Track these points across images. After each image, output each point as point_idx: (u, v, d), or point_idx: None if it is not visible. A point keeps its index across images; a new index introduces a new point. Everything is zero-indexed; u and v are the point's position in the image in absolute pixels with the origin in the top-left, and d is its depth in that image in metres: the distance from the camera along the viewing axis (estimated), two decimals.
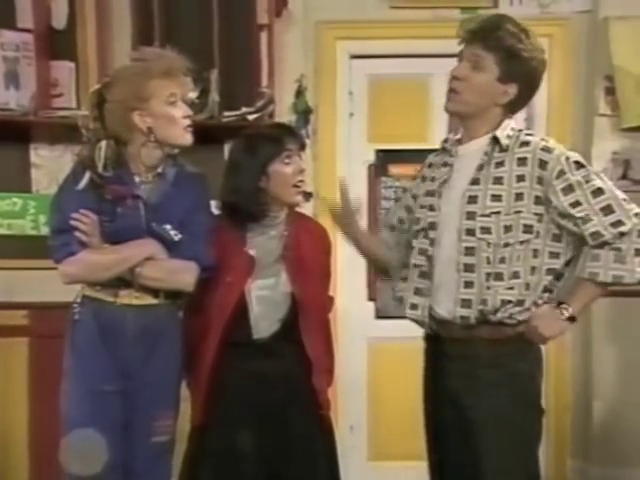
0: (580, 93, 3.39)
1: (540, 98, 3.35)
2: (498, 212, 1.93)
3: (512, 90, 1.96)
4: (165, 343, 2.16)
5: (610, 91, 3.28)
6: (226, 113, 3.12)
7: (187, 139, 2.14)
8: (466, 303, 1.94)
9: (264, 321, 2.20)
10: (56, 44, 3.19)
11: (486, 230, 1.93)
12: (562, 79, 3.38)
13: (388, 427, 3.47)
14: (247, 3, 3.18)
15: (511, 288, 1.93)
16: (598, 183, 1.92)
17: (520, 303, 1.94)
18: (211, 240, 2.18)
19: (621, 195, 1.93)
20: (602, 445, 3.36)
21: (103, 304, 2.11)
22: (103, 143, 2.09)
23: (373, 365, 3.52)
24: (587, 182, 1.92)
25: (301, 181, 2.23)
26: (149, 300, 2.14)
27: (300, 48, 3.32)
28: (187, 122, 2.13)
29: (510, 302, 1.93)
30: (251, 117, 3.09)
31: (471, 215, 1.94)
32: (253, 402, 2.19)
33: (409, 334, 3.37)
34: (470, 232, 1.94)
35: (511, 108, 2.01)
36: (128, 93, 2.08)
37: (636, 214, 1.90)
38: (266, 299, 2.21)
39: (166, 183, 2.17)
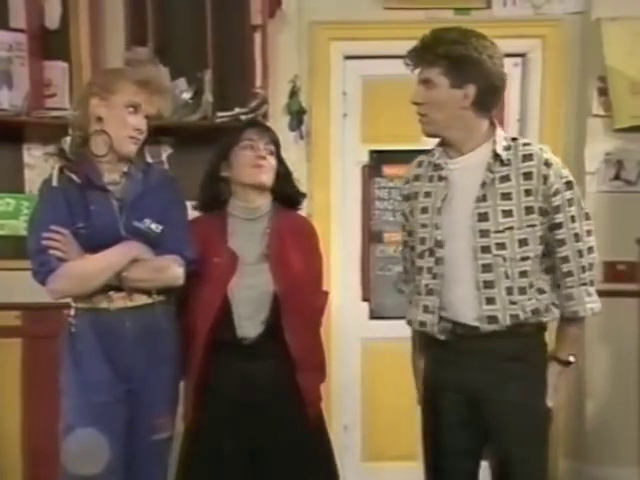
0: (573, 94, 3.39)
1: (533, 99, 3.39)
2: (511, 227, 1.96)
3: (471, 91, 1.97)
4: (164, 341, 2.17)
5: (603, 92, 3.28)
6: (219, 114, 3.10)
7: (129, 149, 2.15)
8: (493, 320, 1.98)
9: (248, 321, 2.19)
10: (49, 44, 3.17)
11: (501, 246, 1.96)
12: (555, 80, 3.38)
13: (382, 427, 3.47)
14: (241, 4, 3.17)
15: (531, 298, 1.99)
16: (574, 211, 1.98)
17: (546, 308, 2.01)
18: (191, 233, 2.21)
19: (590, 225, 2.02)
20: (595, 445, 3.36)
21: (99, 312, 2.11)
22: (67, 137, 2.16)
23: (367, 365, 3.51)
24: (570, 206, 1.98)
25: (260, 165, 2.24)
26: (143, 300, 2.14)
27: (294, 49, 3.31)
28: (135, 134, 2.14)
29: (538, 309, 2.00)
30: (245, 118, 3.06)
31: (485, 233, 1.97)
32: (240, 404, 2.18)
33: (403, 334, 3.40)
34: (485, 249, 1.97)
35: (480, 107, 2.00)
36: (97, 80, 2.18)
37: (592, 247, 2.01)
38: (249, 299, 2.19)
39: (136, 181, 2.18)
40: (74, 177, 2.11)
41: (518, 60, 3.42)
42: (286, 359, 2.20)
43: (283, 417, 2.21)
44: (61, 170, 2.14)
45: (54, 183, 2.12)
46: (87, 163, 2.13)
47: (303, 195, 2.43)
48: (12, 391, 3.15)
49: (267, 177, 2.26)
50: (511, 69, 3.39)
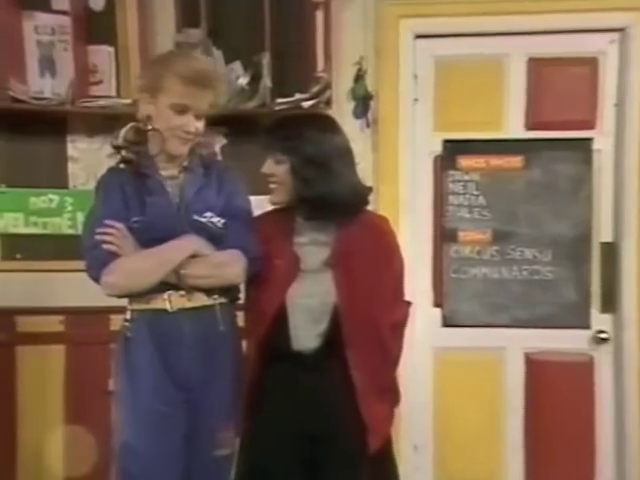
0: None
1: (633, 80, 3.14)
2: None
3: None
4: (224, 348, 2.12)
5: None
6: (279, 100, 2.98)
7: (177, 150, 2.11)
8: None
9: (304, 332, 2.09)
10: (94, 27, 3.07)
11: None
12: None
13: (456, 446, 3.29)
14: None
15: None
16: None
17: None
18: (255, 228, 2.16)
19: None
20: None
21: (156, 314, 2.06)
22: (122, 131, 2.12)
23: (439, 377, 3.33)
24: None
25: (270, 187, 2.17)
26: (203, 301, 2.08)
27: (359, 28, 3.16)
28: (184, 136, 2.09)
29: None
30: (306, 104, 2.94)
31: None
32: (293, 419, 2.09)
33: (478, 344, 3.24)
34: None
35: None
36: (147, 73, 2.15)
37: None
38: (307, 308, 2.09)
39: (197, 176, 2.16)
40: (130, 171, 2.11)
41: (615, 36, 3.18)
42: (349, 379, 2.08)
43: (340, 443, 2.09)
44: (118, 164, 2.15)
45: (110, 178, 2.14)
46: (144, 157, 2.12)
47: (367, 191, 2.21)
48: (55, 399, 3.09)
49: (276, 198, 2.18)
50: (606, 47, 3.20)
